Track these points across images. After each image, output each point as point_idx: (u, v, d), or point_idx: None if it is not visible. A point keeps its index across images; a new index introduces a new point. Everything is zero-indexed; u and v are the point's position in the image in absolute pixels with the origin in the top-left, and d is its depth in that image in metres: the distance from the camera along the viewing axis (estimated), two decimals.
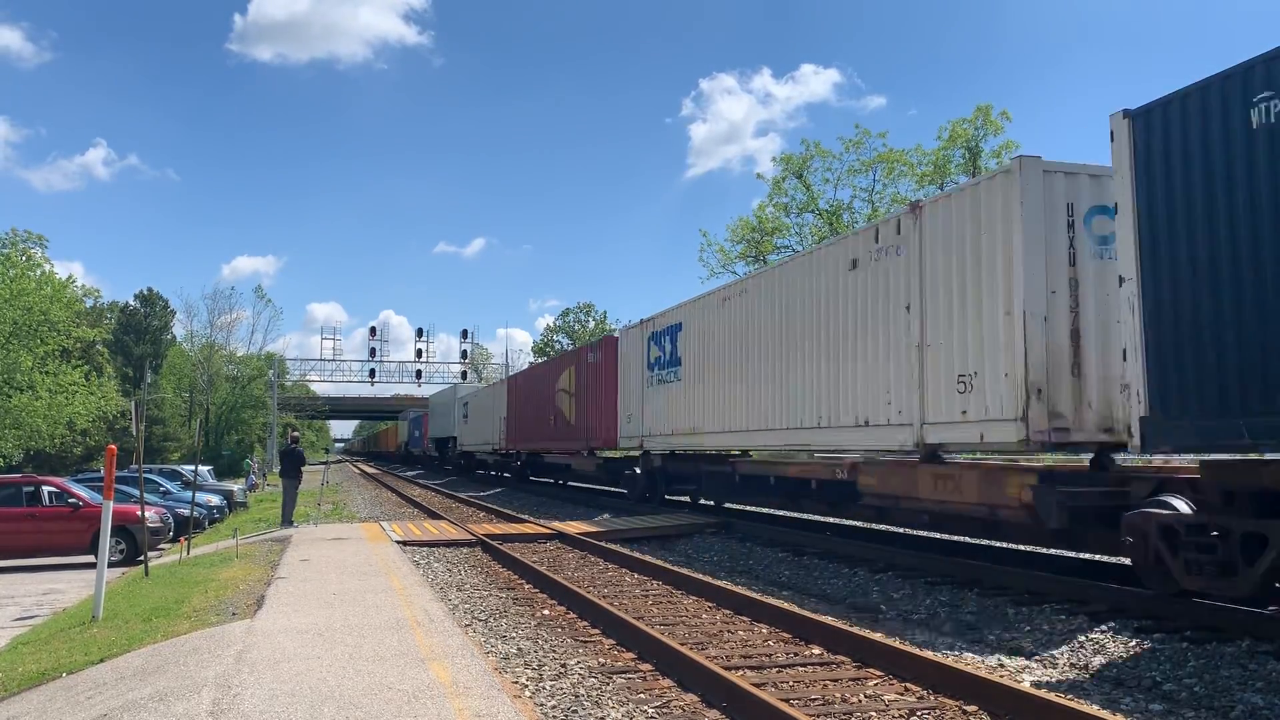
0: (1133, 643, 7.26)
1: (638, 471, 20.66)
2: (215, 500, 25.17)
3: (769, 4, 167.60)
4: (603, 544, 13.86)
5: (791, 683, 6.36)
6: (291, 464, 19.55)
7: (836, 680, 6.39)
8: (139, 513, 14.48)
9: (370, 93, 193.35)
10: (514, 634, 8.15)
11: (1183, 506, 7.72)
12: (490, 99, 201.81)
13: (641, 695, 6.09)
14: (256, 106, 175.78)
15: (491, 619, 8.86)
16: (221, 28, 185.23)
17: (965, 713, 5.58)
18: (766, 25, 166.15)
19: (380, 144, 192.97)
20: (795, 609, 8.36)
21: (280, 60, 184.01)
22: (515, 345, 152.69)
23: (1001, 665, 7.00)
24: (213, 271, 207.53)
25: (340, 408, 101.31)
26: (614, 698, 6.00)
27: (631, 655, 7.24)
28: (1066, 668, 6.99)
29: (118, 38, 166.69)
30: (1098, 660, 7.04)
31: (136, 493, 15.23)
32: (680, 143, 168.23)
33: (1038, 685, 6.12)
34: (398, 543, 14.50)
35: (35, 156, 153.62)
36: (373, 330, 72.09)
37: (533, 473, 33.46)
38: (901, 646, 6.80)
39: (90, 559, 14.04)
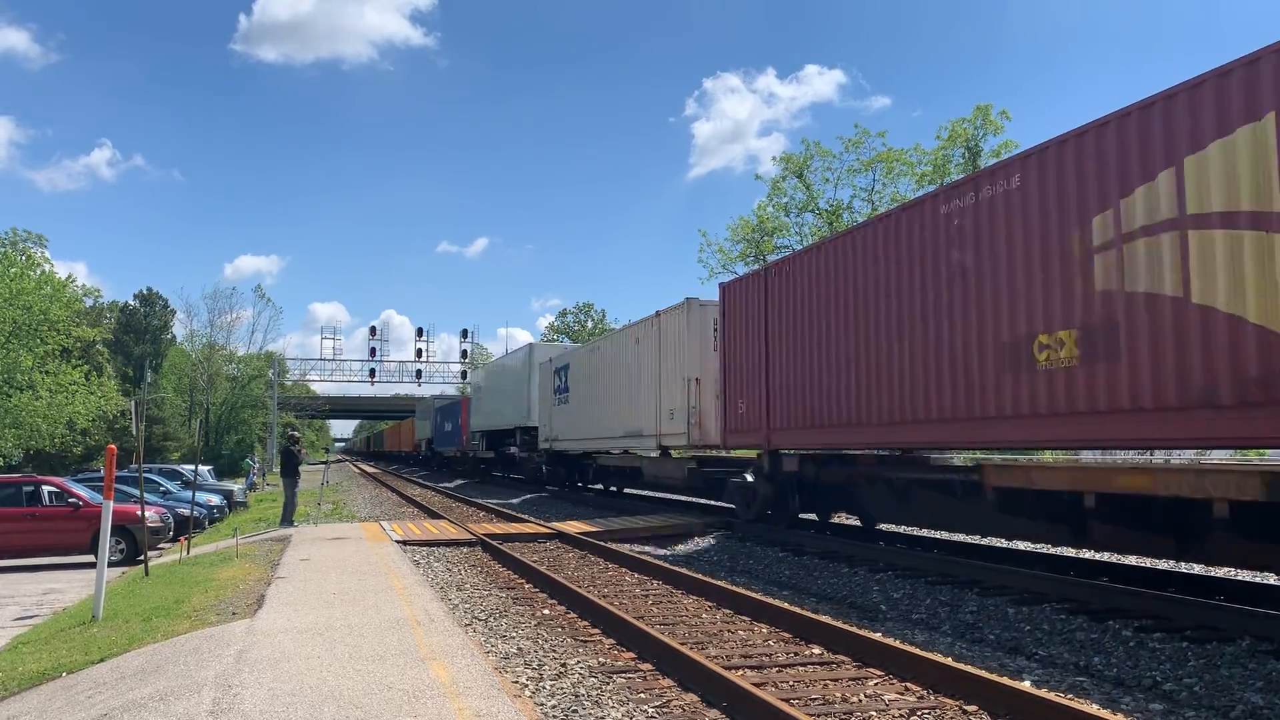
0: (1133, 642, 7.26)
1: None
2: (215, 500, 25.17)
3: (773, 4, 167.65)
4: (602, 543, 13.85)
5: (791, 682, 6.36)
6: (290, 463, 19.65)
7: (836, 680, 6.39)
8: (139, 512, 14.47)
9: (375, 93, 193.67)
10: (514, 633, 8.15)
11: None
12: (494, 99, 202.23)
13: (641, 695, 6.09)
14: (261, 107, 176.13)
15: (491, 618, 8.86)
16: (225, 28, 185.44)
17: (965, 713, 5.58)
18: (771, 26, 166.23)
19: (384, 144, 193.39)
20: (795, 609, 8.35)
21: (285, 61, 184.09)
22: (516, 344, 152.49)
23: (1001, 665, 7.00)
24: (215, 271, 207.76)
25: (340, 407, 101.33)
26: (614, 697, 6.00)
27: (631, 655, 7.24)
28: (1066, 668, 6.99)
29: (123, 39, 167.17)
30: (1098, 660, 7.04)
31: (136, 492, 15.23)
32: (683, 142, 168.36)
33: (1038, 685, 6.11)
34: (398, 542, 14.50)
35: (40, 157, 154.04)
36: (373, 330, 72.22)
37: (884, 514, 13.47)
38: (901, 646, 6.79)
39: (90, 559, 14.04)
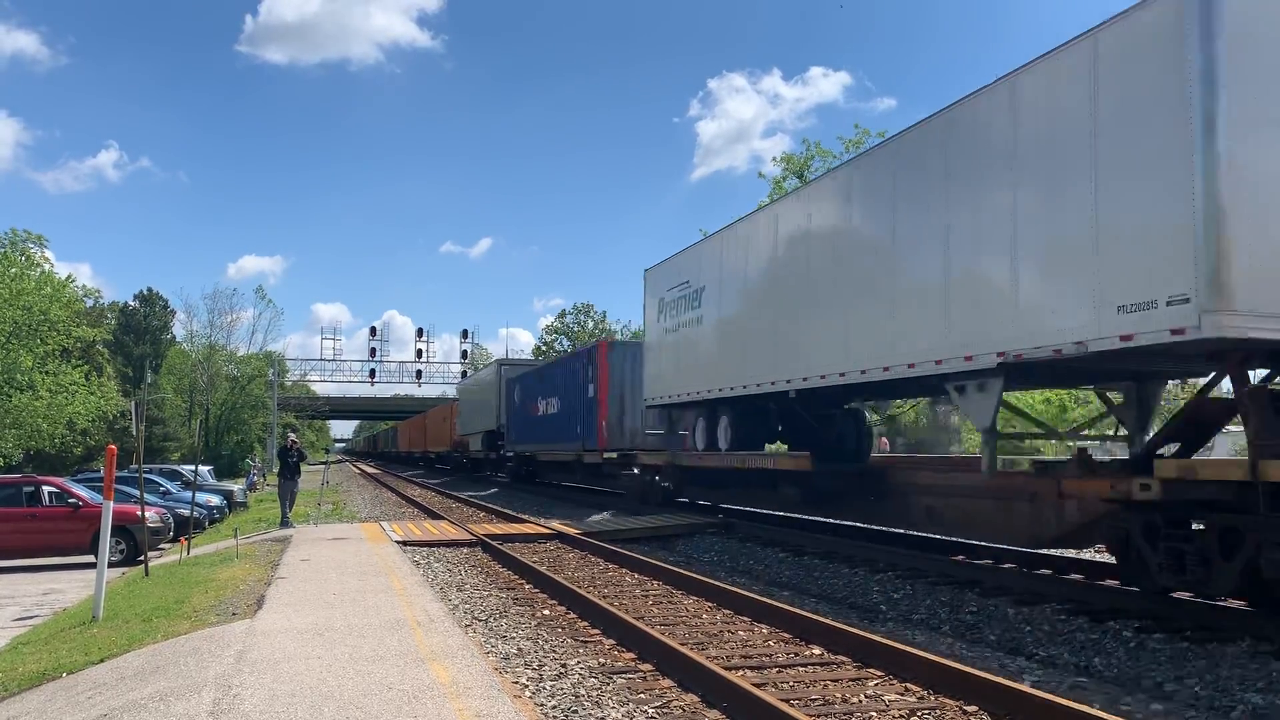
0: (1133, 643, 7.26)
1: None
2: (215, 500, 25.16)
3: (779, 6, 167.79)
4: (602, 544, 13.85)
5: (792, 683, 6.36)
6: (286, 464, 19.80)
7: (837, 680, 6.39)
8: (139, 513, 14.46)
9: (380, 95, 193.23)
10: (514, 634, 8.15)
11: None
12: (500, 100, 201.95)
13: (642, 695, 6.09)
14: (267, 108, 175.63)
15: (492, 619, 8.86)
16: (231, 30, 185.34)
17: (965, 713, 5.58)
18: (777, 27, 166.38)
19: (389, 145, 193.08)
20: (795, 609, 8.35)
21: (291, 62, 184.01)
22: (516, 345, 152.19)
23: (1001, 665, 6.99)
24: (219, 271, 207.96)
25: (340, 408, 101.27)
26: (614, 698, 6.00)
27: (632, 655, 7.24)
28: (1067, 668, 6.99)
29: (130, 42, 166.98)
30: (1098, 660, 7.04)
31: (136, 493, 15.23)
32: (687, 142, 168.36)
33: (1038, 685, 6.11)
34: (398, 543, 14.50)
35: (47, 159, 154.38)
36: (373, 330, 72.38)
37: None
38: (901, 646, 6.79)
39: (90, 559, 14.03)
